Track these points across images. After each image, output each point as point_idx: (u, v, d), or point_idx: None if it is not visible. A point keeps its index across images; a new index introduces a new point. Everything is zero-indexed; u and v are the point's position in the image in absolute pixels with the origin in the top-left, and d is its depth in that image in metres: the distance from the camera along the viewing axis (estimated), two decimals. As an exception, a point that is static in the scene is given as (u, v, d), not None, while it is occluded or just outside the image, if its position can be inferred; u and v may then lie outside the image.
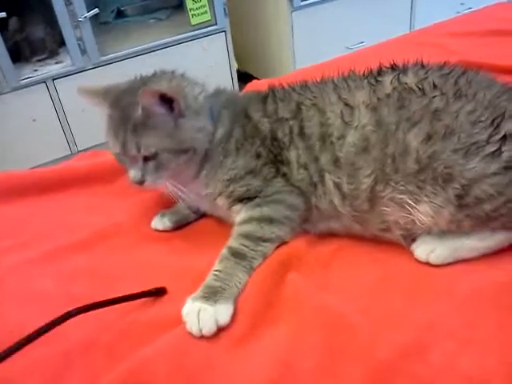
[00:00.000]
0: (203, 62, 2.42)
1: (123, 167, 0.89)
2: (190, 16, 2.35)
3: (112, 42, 2.33)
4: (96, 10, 2.15)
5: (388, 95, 0.82)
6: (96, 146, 2.01)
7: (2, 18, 1.99)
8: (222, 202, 0.90)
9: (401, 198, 0.79)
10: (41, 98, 2.19)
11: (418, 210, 0.78)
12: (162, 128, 0.84)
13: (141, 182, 0.86)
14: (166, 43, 2.33)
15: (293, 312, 0.73)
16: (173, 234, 0.96)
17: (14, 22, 2.15)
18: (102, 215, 0.97)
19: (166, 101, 0.83)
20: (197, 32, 2.38)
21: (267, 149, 0.88)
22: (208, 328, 0.71)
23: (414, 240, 0.82)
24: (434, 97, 0.79)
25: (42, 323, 0.70)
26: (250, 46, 2.85)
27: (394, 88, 0.83)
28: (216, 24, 2.40)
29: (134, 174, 0.86)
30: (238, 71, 2.65)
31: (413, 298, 0.74)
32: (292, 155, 0.87)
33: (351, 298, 0.75)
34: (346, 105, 0.84)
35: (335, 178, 0.84)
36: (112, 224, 0.92)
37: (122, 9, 2.54)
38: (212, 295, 0.74)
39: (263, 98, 0.94)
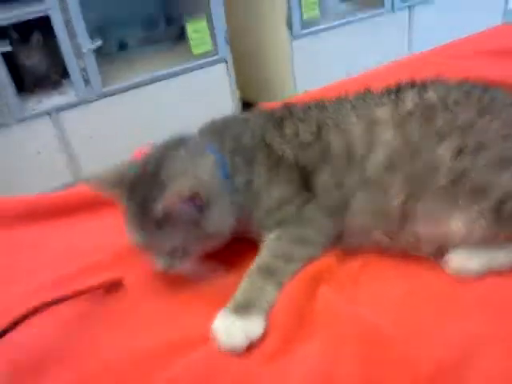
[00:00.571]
0: (205, 92, 2.44)
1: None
2: (192, 46, 2.38)
3: (115, 73, 2.35)
4: (100, 42, 2.17)
5: (411, 111, 0.82)
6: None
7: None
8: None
9: (432, 214, 0.78)
10: (45, 130, 2.19)
11: (450, 225, 0.77)
12: (186, 222, 0.78)
13: (167, 271, 0.82)
14: (168, 74, 2.35)
15: (326, 325, 0.71)
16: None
17: (37, 37, 2.12)
18: (116, 237, 0.94)
19: (189, 198, 0.77)
20: (199, 62, 2.40)
21: (296, 174, 0.85)
22: (239, 343, 0.69)
23: (443, 254, 0.80)
24: (459, 112, 0.79)
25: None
26: (253, 75, 2.88)
27: (416, 104, 0.82)
28: (217, 54, 2.43)
29: (159, 265, 0.82)
30: (241, 100, 2.66)
31: (443, 312, 0.73)
32: (319, 180, 0.84)
33: (381, 312, 0.73)
34: (368, 123, 0.83)
35: (363, 198, 0.82)
36: (128, 243, 0.89)
37: (124, 41, 2.57)
38: (242, 310, 0.72)
39: (280, 120, 0.89)
